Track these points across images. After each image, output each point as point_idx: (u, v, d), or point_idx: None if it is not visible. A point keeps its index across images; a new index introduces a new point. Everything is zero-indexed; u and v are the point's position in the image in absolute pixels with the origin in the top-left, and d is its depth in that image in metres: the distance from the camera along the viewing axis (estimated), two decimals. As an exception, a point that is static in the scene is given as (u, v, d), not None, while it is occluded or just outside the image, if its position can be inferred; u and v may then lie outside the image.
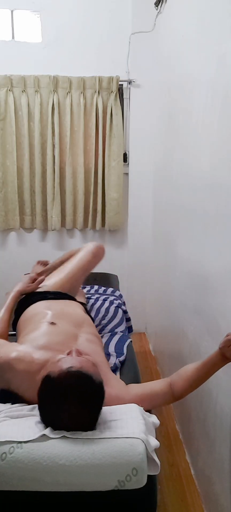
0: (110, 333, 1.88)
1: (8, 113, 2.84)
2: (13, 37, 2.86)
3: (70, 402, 1.02)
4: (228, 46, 1.37)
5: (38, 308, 1.65)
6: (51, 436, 1.02)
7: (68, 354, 1.16)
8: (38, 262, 2.25)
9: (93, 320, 1.92)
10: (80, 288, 2.28)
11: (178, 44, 2.14)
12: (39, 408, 1.08)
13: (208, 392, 1.58)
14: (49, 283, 1.88)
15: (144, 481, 1.00)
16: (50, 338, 1.37)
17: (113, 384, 1.27)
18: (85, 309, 1.90)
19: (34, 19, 2.84)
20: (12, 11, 2.82)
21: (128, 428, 1.06)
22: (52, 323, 1.47)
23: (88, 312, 1.91)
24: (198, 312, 1.75)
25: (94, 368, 1.11)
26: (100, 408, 1.09)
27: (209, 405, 1.57)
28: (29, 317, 1.59)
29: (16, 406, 1.16)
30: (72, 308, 1.72)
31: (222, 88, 1.44)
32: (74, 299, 1.89)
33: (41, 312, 1.59)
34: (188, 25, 1.91)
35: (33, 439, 1.01)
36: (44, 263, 2.22)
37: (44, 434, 1.02)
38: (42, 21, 2.84)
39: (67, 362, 1.08)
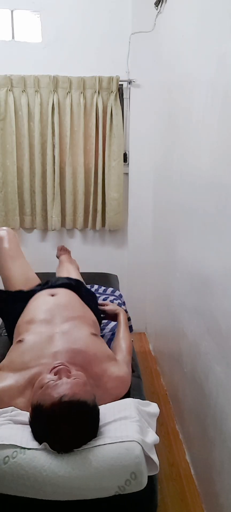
0: (110, 333, 1.87)
1: (8, 113, 2.84)
2: (13, 37, 2.86)
3: (65, 430, 0.99)
4: (228, 46, 1.37)
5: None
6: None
7: (55, 374, 1.11)
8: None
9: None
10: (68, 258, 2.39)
11: (178, 44, 2.14)
12: (33, 434, 1.04)
13: (208, 392, 1.58)
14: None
15: (144, 483, 1.00)
16: (22, 358, 1.30)
17: (110, 369, 1.31)
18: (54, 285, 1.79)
19: (34, 19, 2.84)
20: (12, 11, 2.82)
21: (121, 431, 1.04)
22: (19, 341, 1.39)
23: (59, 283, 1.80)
24: (198, 312, 1.75)
25: (86, 389, 1.06)
26: (97, 428, 1.06)
27: (209, 405, 1.57)
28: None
29: (19, 411, 1.15)
30: (37, 307, 1.60)
31: (222, 88, 1.44)
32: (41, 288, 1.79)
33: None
34: (188, 25, 1.91)
35: (37, 448, 1.00)
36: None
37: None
38: (42, 21, 2.83)
39: (58, 389, 1.02)
